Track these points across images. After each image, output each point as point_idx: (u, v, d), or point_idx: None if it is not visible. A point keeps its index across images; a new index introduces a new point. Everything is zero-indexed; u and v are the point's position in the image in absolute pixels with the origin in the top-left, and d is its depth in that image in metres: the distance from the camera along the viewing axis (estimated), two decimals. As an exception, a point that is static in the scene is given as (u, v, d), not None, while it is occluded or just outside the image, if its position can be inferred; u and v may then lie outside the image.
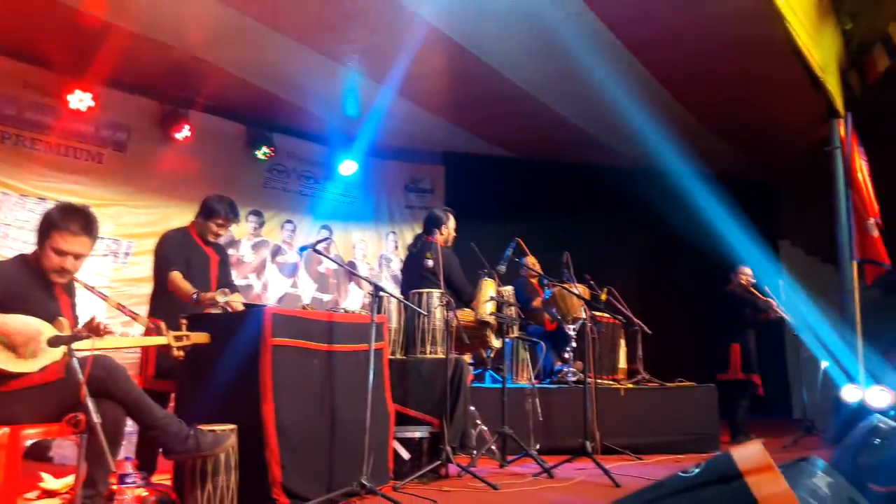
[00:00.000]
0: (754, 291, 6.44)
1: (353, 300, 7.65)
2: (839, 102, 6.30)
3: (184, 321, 3.15)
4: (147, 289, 5.86)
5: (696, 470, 1.45)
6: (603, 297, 5.54)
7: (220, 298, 3.72)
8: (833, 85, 6.18)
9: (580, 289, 5.27)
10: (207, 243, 4.17)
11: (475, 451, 4.53)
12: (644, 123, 7.39)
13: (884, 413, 2.35)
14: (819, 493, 1.74)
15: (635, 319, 5.73)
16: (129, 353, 5.34)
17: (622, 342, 6.12)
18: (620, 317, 5.72)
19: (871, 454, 1.93)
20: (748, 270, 6.56)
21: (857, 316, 5.86)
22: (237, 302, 3.88)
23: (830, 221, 6.29)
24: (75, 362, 2.48)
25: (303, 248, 3.99)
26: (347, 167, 7.67)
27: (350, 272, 5.86)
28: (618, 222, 8.39)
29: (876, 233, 6.23)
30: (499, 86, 6.46)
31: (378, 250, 8.23)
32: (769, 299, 6.33)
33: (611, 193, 8.17)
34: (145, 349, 3.85)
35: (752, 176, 9.02)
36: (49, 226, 2.80)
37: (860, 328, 5.74)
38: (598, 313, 5.52)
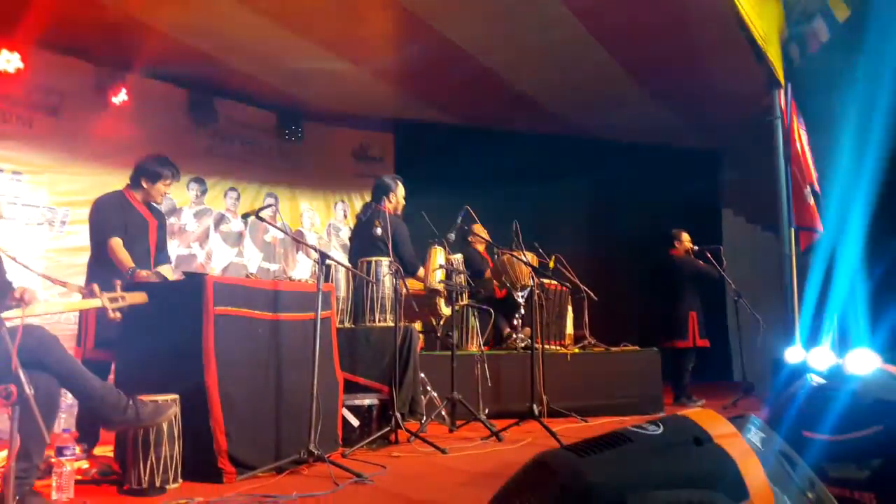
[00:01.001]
0: (693, 258, 6.60)
1: (302, 270, 7.55)
2: (780, 73, 6.43)
3: (118, 282, 3.03)
4: (85, 257, 5.72)
5: (658, 429, 1.47)
6: (551, 264, 5.59)
7: (152, 276, 3.63)
8: (774, 55, 6.30)
9: (528, 256, 5.31)
10: (147, 206, 4.05)
11: (424, 417, 4.56)
12: (591, 91, 7.45)
13: (821, 374, 2.45)
14: (754, 447, 1.79)
15: (582, 286, 5.81)
16: (68, 324, 5.20)
17: (569, 309, 6.21)
18: (567, 284, 5.79)
19: (807, 406, 2.01)
20: (687, 236, 6.70)
21: (794, 281, 6.05)
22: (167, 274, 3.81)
23: (771, 190, 6.46)
24: (5, 332, 2.39)
25: (246, 215, 3.90)
26: (292, 135, 7.49)
27: (296, 240, 5.77)
28: (566, 190, 8.46)
29: (812, 200, 6.43)
30: (449, 52, 6.39)
31: (326, 219, 8.12)
32: (711, 264, 6.50)
33: (559, 161, 8.25)
34: (84, 319, 3.73)
35: (696, 145, 9.20)
36: None
37: (797, 293, 5.94)
38: (545, 280, 5.58)
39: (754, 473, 1.45)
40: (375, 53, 6.52)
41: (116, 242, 3.75)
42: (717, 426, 1.54)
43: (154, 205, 4.15)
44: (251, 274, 4.67)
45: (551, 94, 7.56)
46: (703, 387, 6.93)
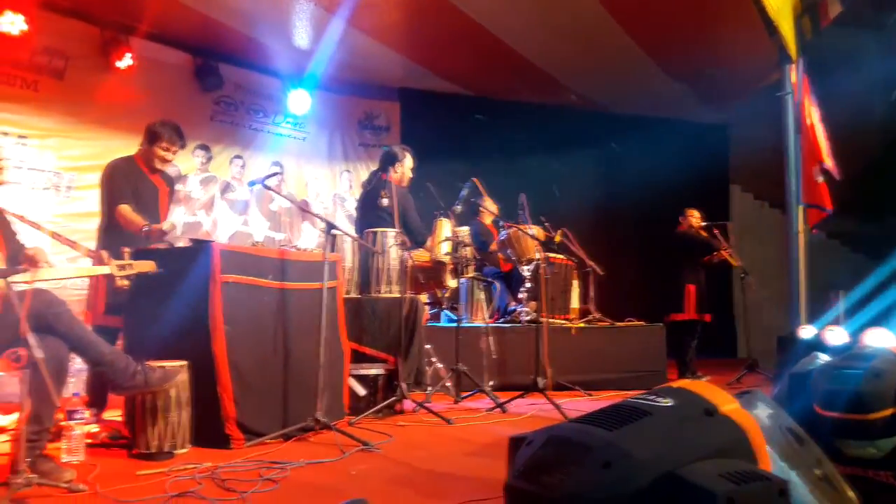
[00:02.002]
0: (703, 233, 6.58)
1: (307, 239, 7.52)
2: (792, 48, 6.34)
3: (126, 250, 3.02)
4: (91, 223, 5.69)
5: (668, 401, 1.46)
6: (557, 238, 5.57)
7: (167, 227, 3.59)
8: (787, 30, 6.20)
9: (535, 230, 5.29)
10: (154, 172, 4.00)
11: (430, 388, 4.58)
12: (601, 64, 7.35)
13: (835, 351, 2.44)
14: (761, 423, 1.80)
15: (588, 261, 5.80)
16: (77, 290, 5.20)
17: (575, 283, 6.20)
18: (574, 258, 5.78)
19: (821, 383, 2.00)
20: (696, 212, 6.68)
21: (801, 259, 6.03)
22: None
23: (780, 167, 6.40)
24: (14, 296, 2.38)
25: (252, 183, 3.87)
26: (299, 102, 7.43)
27: (303, 209, 5.75)
28: (573, 164, 8.41)
29: (821, 178, 6.38)
30: (457, 21, 6.29)
31: (332, 189, 8.07)
32: (718, 241, 6.48)
33: (567, 134, 8.18)
34: (95, 285, 3.72)
35: (706, 119, 9.12)
36: None
37: (804, 271, 5.92)
38: (552, 254, 5.56)
39: (760, 443, 1.46)
40: (382, 21, 6.43)
41: (125, 209, 3.71)
42: (719, 398, 1.55)
43: (165, 172, 4.12)
44: (257, 242, 4.66)
45: (560, 65, 7.46)
46: (708, 362, 6.96)
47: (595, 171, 8.89)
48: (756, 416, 1.77)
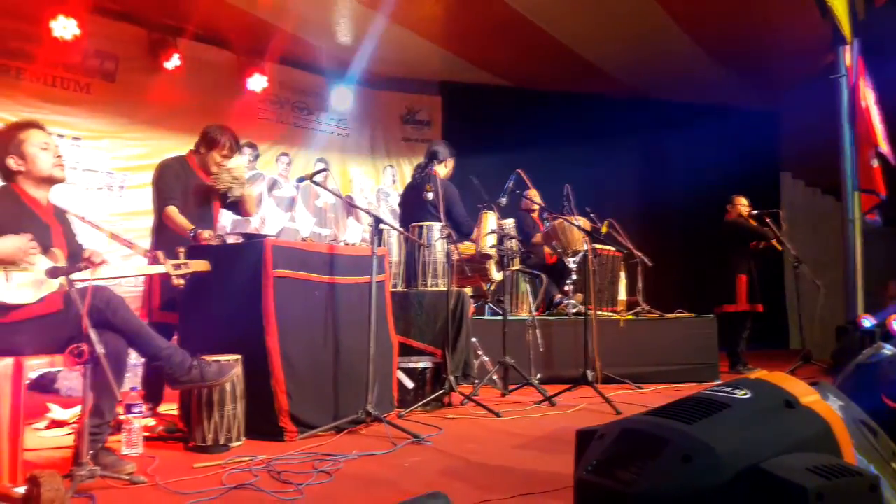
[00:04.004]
0: (753, 222, 6.42)
1: (352, 234, 7.59)
2: (846, 29, 6.12)
3: (181, 250, 3.08)
4: (144, 221, 5.83)
5: (746, 393, 1.42)
6: (604, 229, 5.49)
7: (211, 236, 3.63)
8: (840, 10, 5.99)
9: (581, 221, 5.23)
10: (207, 174, 4.05)
11: (477, 381, 4.57)
12: (646, 51, 7.22)
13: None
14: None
15: (636, 252, 5.70)
16: (130, 287, 5.34)
17: (622, 274, 6.12)
18: (621, 249, 5.70)
19: (889, 374, 1.93)
20: (745, 200, 6.52)
21: (857, 247, 5.84)
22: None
23: (833, 152, 6.21)
24: (75, 293, 2.45)
25: (300, 179, 3.91)
26: (342, 98, 7.48)
27: (350, 204, 5.84)
28: (619, 153, 8.29)
29: (876, 163, 6.16)
30: (497, 12, 6.25)
31: (376, 184, 8.12)
32: (769, 229, 6.31)
33: (612, 123, 8.06)
34: (149, 283, 3.80)
35: (754, 104, 8.88)
36: None
37: (861, 259, 5.73)
38: (598, 246, 5.49)
39: (844, 436, 1.40)
40: (423, 15, 6.42)
41: (172, 210, 3.71)
42: (798, 389, 1.49)
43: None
44: (306, 238, 4.70)
45: (604, 53, 7.36)
46: (759, 354, 6.80)
47: (641, 159, 8.75)
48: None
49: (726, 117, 8.43)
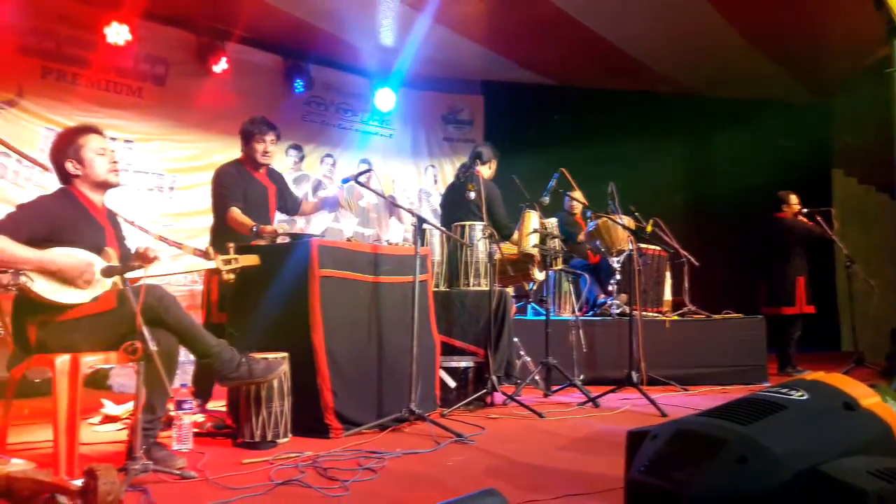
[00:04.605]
0: (804, 220, 6.25)
1: (395, 234, 7.64)
2: (903, 20, 5.92)
3: (230, 245, 3.15)
4: (193, 222, 5.98)
5: (803, 394, 1.39)
6: (649, 228, 5.41)
7: (279, 229, 3.72)
8: (895, 2, 5.80)
9: (625, 220, 5.17)
10: (258, 169, 4.15)
11: (520, 381, 4.56)
12: (693, 47, 7.10)
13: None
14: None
15: (682, 251, 5.61)
16: (179, 286, 5.48)
17: (668, 274, 6.03)
18: (667, 248, 5.61)
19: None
20: (795, 198, 6.34)
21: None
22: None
23: (887, 148, 6.01)
24: (129, 291, 2.52)
25: (345, 180, 3.96)
26: (385, 99, 7.54)
27: (393, 204, 5.90)
28: (665, 150, 8.16)
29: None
30: (541, 10, 6.22)
31: (417, 184, 8.16)
32: (821, 228, 6.14)
33: (658, 120, 7.94)
34: (207, 284, 3.92)
35: (804, 99, 8.65)
36: None
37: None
38: (643, 245, 5.42)
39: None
40: (465, 14, 6.42)
41: (235, 212, 3.87)
42: (858, 391, 1.45)
43: (272, 169, 4.27)
44: (350, 238, 4.75)
45: (649, 49, 7.25)
46: (809, 356, 6.62)
47: (687, 157, 8.60)
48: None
49: (775, 113, 8.23)
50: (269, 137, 4.11)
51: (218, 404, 3.94)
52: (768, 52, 7.35)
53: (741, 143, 8.08)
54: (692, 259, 5.65)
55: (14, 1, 5.00)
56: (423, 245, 3.99)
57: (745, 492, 1.20)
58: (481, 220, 4.61)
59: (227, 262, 3.02)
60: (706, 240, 7.16)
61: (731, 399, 1.54)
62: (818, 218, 6.21)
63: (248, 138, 4.10)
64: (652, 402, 3.99)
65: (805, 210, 6.28)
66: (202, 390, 3.77)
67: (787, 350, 6.13)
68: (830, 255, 7.00)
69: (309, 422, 3.28)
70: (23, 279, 2.50)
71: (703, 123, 8.18)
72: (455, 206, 4.97)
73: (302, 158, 7.15)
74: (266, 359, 3.01)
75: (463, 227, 4.67)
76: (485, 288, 4.54)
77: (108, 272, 2.63)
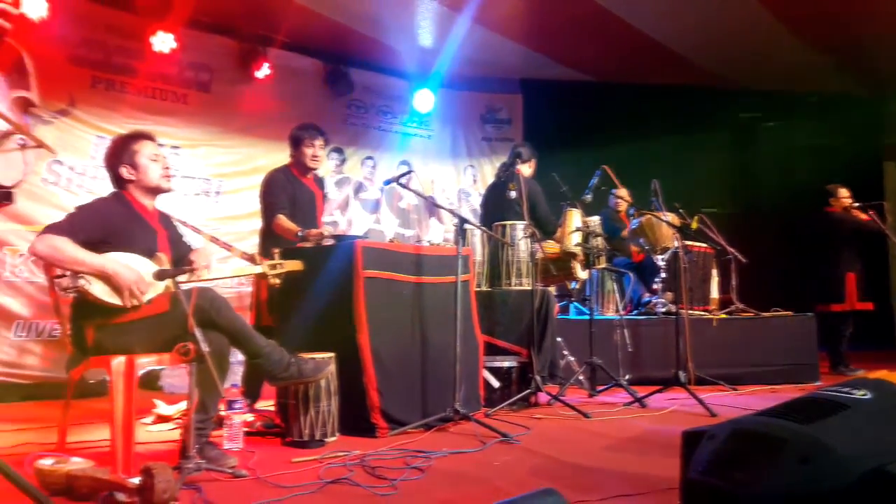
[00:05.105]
0: (857, 213, 6.07)
1: (435, 235, 7.66)
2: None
3: (276, 251, 3.22)
4: (238, 225, 6.08)
5: (865, 394, 1.35)
6: (694, 225, 5.33)
7: (326, 233, 3.78)
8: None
9: (670, 217, 5.10)
10: (306, 174, 4.22)
11: (564, 381, 4.53)
12: (737, 40, 6.95)
13: None
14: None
15: (729, 248, 5.51)
16: (227, 288, 5.57)
17: (714, 272, 5.92)
18: (713, 245, 5.51)
19: None
20: (846, 192, 6.17)
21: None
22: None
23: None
24: (181, 294, 2.58)
25: (387, 182, 3.97)
26: (423, 101, 7.57)
27: (435, 204, 5.91)
28: (710, 146, 8.01)
29: None
30: (580, 7, 6.17)
31: (456, 184, 8.17)
32: (875, 221, 5.95)
33: (702, 115, 7.80)
34: (257, 287, 4.00)
35: (855, 93, 8.40)
36: None
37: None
38: (689, 242, 5.34)
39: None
40: (503, 13, 6.40)
41: (281, 218, 3.96)
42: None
43: (318, 175, 4.34)
44: (393, 239, 4.80)
45: (690, 42, 7.12)
46: (862, 354, 6.43)
47: (733, 152, 8.42)
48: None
49: (824, 106, 8.01)
50: (318, 142, 4.19)
51: (266, 404, 4.00)
52: (815, 43, 7.15)
53: (788, 136, 7.88)
54: (739, 256, 5.54)
55: (64, 13, 5.14)
56: (464, 245, 4.00)
57: (808, 492, 1.17)
58: (522, 219, 4.60)
59: (273, 266, 3.09)
60: (753, 236, 7.00)
61: (784, 399, 1.51)
62: (871, 211, 6.03)
63: (297, 143, 4.17)
64: (700, 402, 3.93)
65: (857, 203, 6.10)
66: (251, 390, 3.84)
67: (838, 348, 5.97)
68: (883, 249, 6.77)
69: (355, 421, 3.31)
70: (81, 282, 2.58)
71: (747, 117, 8.01)
72: (496, 205, 4.97)
73: (343, 161, 7.22)
74: (314, 359, 3.05)
75: (504, 226, 4.66)
76: (527, 287, 4.52)
77: (160, 276, 2.69)
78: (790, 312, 5.60)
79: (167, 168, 3.01)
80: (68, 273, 2.65)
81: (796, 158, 7.71)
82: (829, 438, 1.22)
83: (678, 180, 6.09)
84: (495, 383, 4.20)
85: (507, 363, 4.27)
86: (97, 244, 2.69)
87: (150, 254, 2.81)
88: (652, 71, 7.78)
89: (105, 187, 3.05)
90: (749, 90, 8.17)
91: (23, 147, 1.25)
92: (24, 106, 1.32)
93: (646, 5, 6.28)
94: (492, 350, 4.34)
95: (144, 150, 2.95)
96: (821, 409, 1.31)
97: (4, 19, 1.40)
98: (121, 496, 2.23)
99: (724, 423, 1.42)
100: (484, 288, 4.65)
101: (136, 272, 2.69)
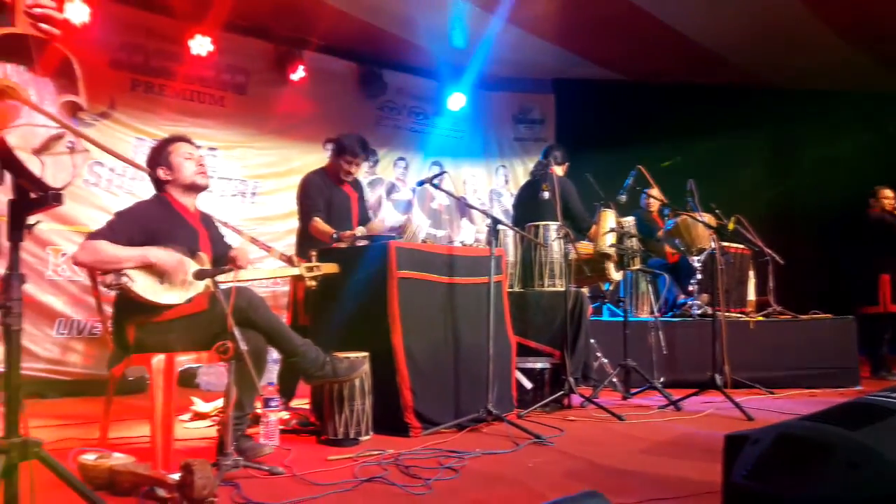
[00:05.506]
0: (888, 216, 5.93)
1: (466, 235, 7.65)
2: None
3: (313, 253, 3.27)
4: (274, 226, 6.16)
5: None
6: (731, 225, 5.25)
7: (359, 233, 3.82)
8: None
9: (706, 217, 5.03)
10: (342, 182, 4.27)
11: (597, 383, 4.50)
12: (775, 38, 6.83)
13: None
14: None
15: (766, 249, 5.41)
16: (262, 288, 5.64)
17: (751, 273, 5.83)
18: (750, 246, 5.43)
19: None
20: (890, 192, 6.03)
21: None
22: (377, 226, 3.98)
23: None
24: (220, 294, 2.63)
25: (420, 183, 3.98)
26: (456, 101, 7.58)
27: (467, 205, 5.95)
28: (746, 146, 7.88)
29: None
30: (613, 6, 6.12)
31: (488, 185, 8.16)
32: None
33: (739, 115, 7.67)
34: (294, 287, 4.06)
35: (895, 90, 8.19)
36: None
37: None
38: (725, 243, 5.26)
39: None
40: (536, 13, 6.38)
41: (317, 221, 4.04)
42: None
43: (356, 177, 4.39)
44: (425, 240, 4.80)
45: (729, 42, 7.02)
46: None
47: (770, 152, 8.27)
48: None
49: (865, 105, 7.82)
50: (359, 163, 4.23)
51: (300, 402, 4.05)
52: (855, 41, 6.99)
53: (828, 136, 7.71)
54: (777, 257, 5.45)
55: (104, 18, 5.26)
56: (497, 245, 3.99)
57: (857, 498, 1.14)
58: (556, 219, 4.57)
59: (310, 269, 3.13)
60: (792, 237, 6.88)
61: (823, 403, 1.48)
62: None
63: (339, 153, 4.21)
64: (737, 405, 3.87)
65: (897, 204, 5.96)
66: (286, 388, 3.89)
67: (878, 352, 5.83)
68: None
69: (389, 420, 3.33)
70: (124, 279, 2.64)
71: (787, 116, 7.85)
72: (529, 205, 4.96)
73: (376, 163, 7.27)
74: (348, 358, 3.08)
75: (537, 227, 4.64)
76: (560, 288, 4.50)
77: (200, 275, 2.74)
78: (829, 315, 5.49)
79: (202, 165, 3.07)
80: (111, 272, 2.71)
81: (836, 159, 7.53)
82: (876, 444, 1.19)
83: (714, 180, 6.00)
84: (527, 384, 4.19)
85: (539, 364, 4.25)
86: (139, 246, 2.75)
87: (191, 253, 2.87)
88: (687, 70, 7.69)
89: (144, 188, 3.14)
90: (787, 89, 8.02)
91: (71, 150, 1.29)
92: (73, 110, 1.36)
93: (680, 3, 6.21)
94: (524, 351, 4.32)
95: (179, 150, 3.03)
96: (868, 414, 1.28)
97: (51, 24, 1.45)
98: (161, 491, 2.28)
99: (768, 427, 1.40)
100: (516, 289, 4.64)
101: (176, 256, 2.74)
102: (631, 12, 6.24)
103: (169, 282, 2.73)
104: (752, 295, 5.82)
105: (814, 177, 7.80)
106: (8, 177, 1.55)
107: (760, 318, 5.43)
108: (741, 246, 5.51)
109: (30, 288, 4.85)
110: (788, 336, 5.32)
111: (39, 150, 1.50)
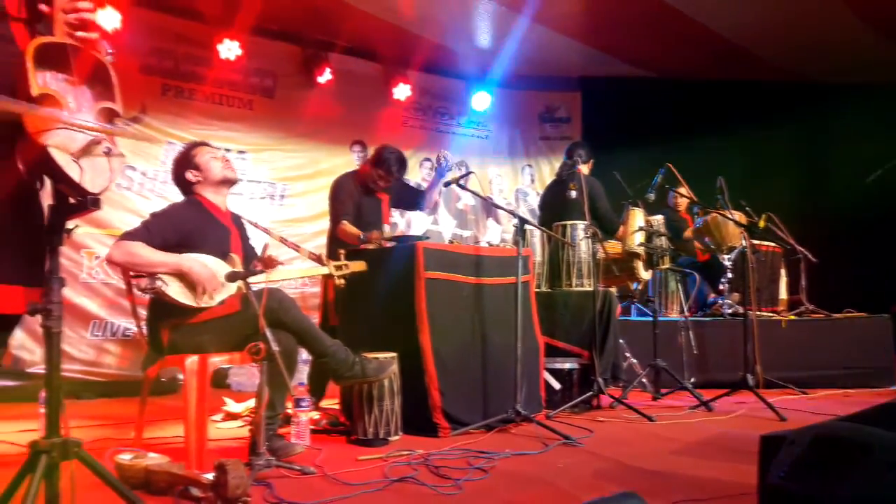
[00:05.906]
0: None
1: (492, 235, 7.66)
2: None
3: (342, 252, 3.30)
4: (302, 228, 6.22)
5: None
6: (762, 223, 5.17)
7: (386, 234, 3.86)
8: None
9: (737, 215, 4.96)
10: (367, 188, 4.32)
11: (626, 384, 4.46)
12: (806, 32, 6.72)
13: None
14: None
15: (798, 247, 5.33)
16: (291, 289, 5.69)
17: (783, 272, 5.74)
18: (782, 244, 5.34)
19: None
20: None
21: None
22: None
23: None
24: (252, 295, 2.66)
25: (447, 184, 4.01)
26: (481, 101, 7.57)
27: (493, 205, 5.97)
28: (777, 142, 7.74)
29: None
30: (640, 3, 6.07)
31: (514, 184, 8.14)
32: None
33: (769, 111, 7.56)
34: (324, 288, 4.12)
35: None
36: None
37: None
38: (757, 241, 5.19)
39: None
40: (562, 11, 6.35)
41: (345, 224, 4.11)
42: None
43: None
44: (452, 240, 4.83)
45: (758, 38, 6.91)
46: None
47: (802, 148, 8.12)
48: None
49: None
50: (391, 179, 4.28)
51: (329, 402, 4.08)
52: (890, 33, 6.85)
53: (862, 130, 7.55)
54: (809, 255, 5.36)
55: (135, 24, 5.35)
56: (524, 245, 3.98)
57: (896, 498, 1.13)
58: (583, 218, 4.55)
59: (339, 267, 3.17)
60: (825, 234, 6.75)
61: (857, 403, 1.46)
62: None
63: (377, 164, 4.27)
64: (770, 406, 3.82)
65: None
66: (316, 388, 3.93)
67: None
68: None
69: (418, 420, 3.34)
70: (158, 283, 2.69)
71: (819, 112, 7.71)
72: (556, 204, 4.93)
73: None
74: (377, 358, 3.10)
75: (564, 226, 4.62)
76: (588, 288, 4.48)
77: (232, 277, 2.78)
78: (864, 314, 5.38)
79: (228, 161, 3.14)
80: (145, 275, 2.77)
81: (869, 155, 7.38)
82: None
83: (745, 178, 5.92)
84: (556, 385, 4.17)
85: (567, 365, 4.24)
86: (173, 248, 2.80)
87: (223, 255, 2.91)
88: (715, 66, 7.59)
89: (175, 191, 3.19)
90: (819, 84, 7.87)
91: (108, 154, 1.31)
92: (109, 116, 1.37)
93: (709, 1, 6.14)
94: (552, 351, 4.31)
95: (203, 153, 3.11)
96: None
97: (89, 31, 1.47)
98: (195, 491, 2.32)
99: (805, 428, 1.38)
100: (544, 289, 4.62)
101: (209, 269, 2.79)
102: (659, 9, 6.18)
103: (193, 292, 2.77)
104: (783, 293, 5.73)
105: (847, 172, 7.64)
106: (48, 182, 1.59)
107: (792, 317, 5.35)
108: (772, 244, 5.43)
109: (65, 290, 4.94)
110: (822, 335, 5.23)
111: (78, 156, 1.54)
